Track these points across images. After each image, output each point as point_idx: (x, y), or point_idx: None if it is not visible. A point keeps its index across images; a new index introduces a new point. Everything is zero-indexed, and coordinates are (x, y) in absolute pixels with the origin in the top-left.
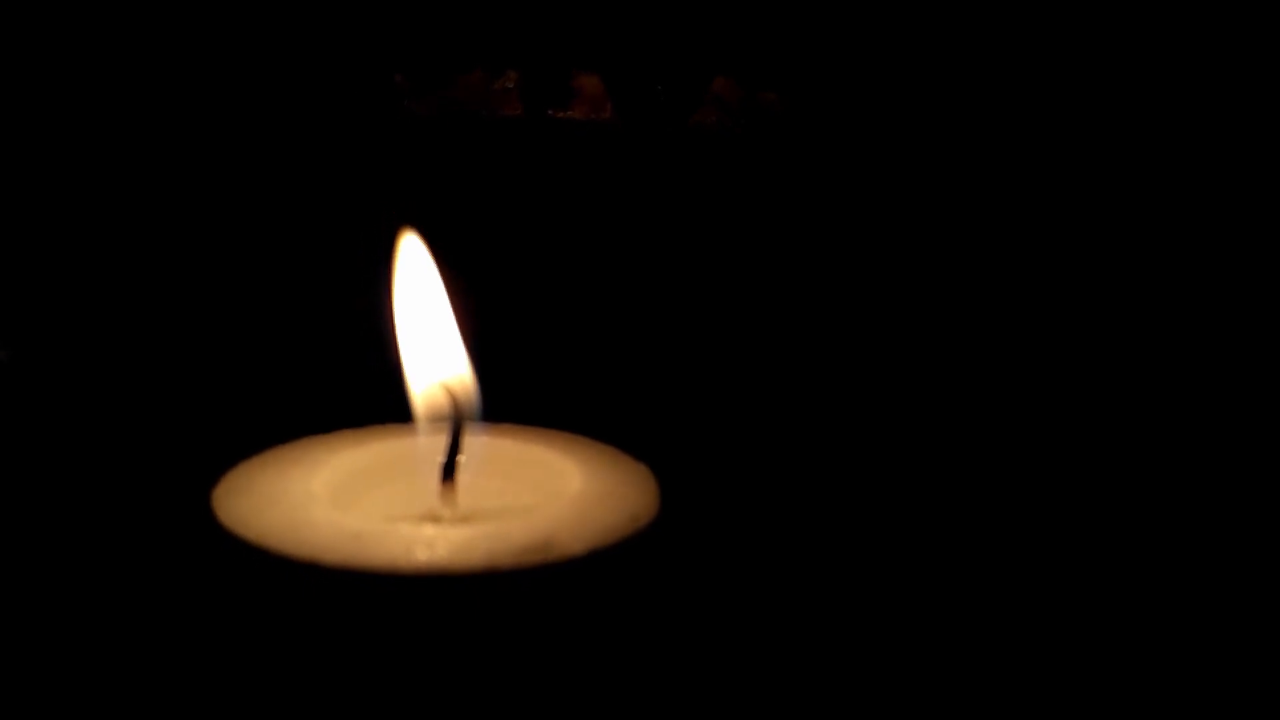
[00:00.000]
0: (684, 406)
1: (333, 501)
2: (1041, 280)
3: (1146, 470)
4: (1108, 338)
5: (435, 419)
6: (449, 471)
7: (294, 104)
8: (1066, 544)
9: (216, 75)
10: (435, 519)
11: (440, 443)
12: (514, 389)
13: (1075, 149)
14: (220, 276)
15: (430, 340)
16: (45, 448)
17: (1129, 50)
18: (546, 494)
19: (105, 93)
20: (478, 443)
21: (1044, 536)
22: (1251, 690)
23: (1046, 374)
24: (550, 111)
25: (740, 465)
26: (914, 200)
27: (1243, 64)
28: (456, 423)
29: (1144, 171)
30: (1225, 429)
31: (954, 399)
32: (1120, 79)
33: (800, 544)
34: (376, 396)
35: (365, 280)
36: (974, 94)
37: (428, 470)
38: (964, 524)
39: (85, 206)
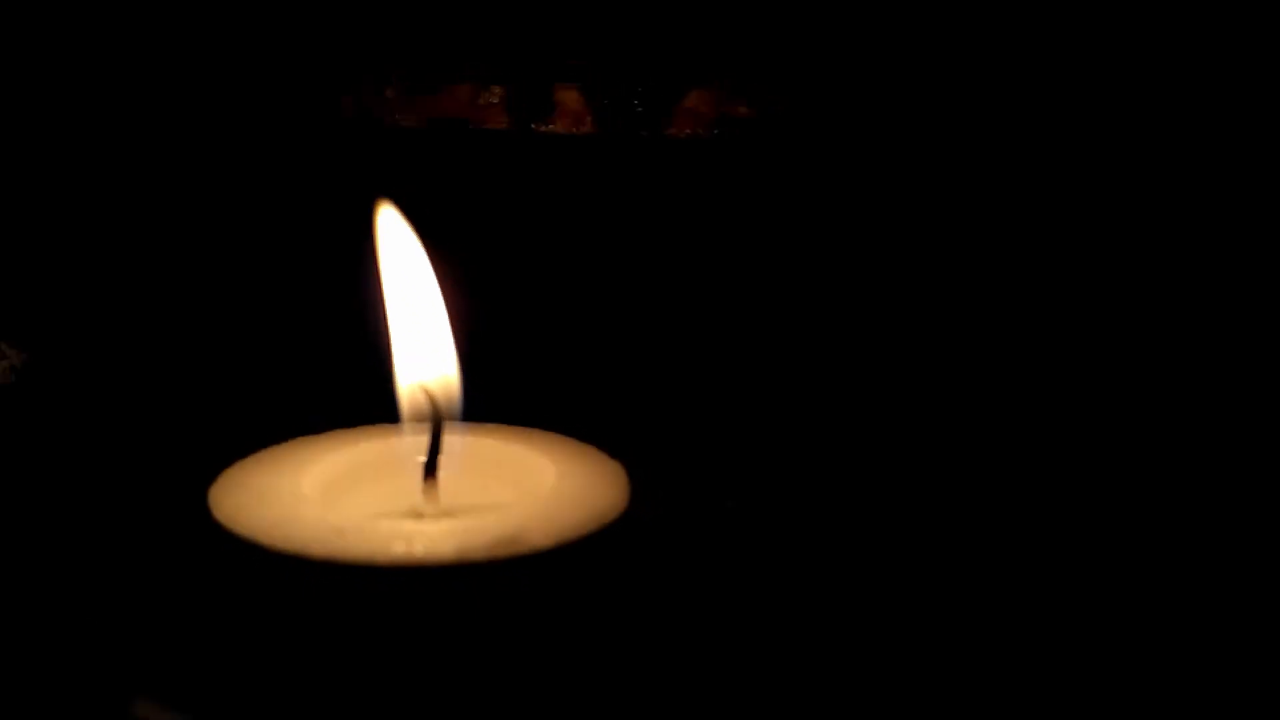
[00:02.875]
0: (661, 405)
1: (322, 499)
2: (1021, 290)
3: (1147, 470)
4: (1108, 338)
5: (418, 419)
6: (430, 469)
7: (288, 115)
8: (1053, 541)
9: (214, 87)
10: (418, 515)
11: (424, 442)
12: (499, 388)
13: (1061, 164)
14: (218, 287)
15: (416, 343)
16: (55, 447)
17: (1109, 51)
18: (523, 490)
19: (107, 103)
20: (459, 441)
21: (1023, 530)
22: (1251, 690)
23: (1020, 374)
24: (533, 125)
25: (713, 464)
26: (886, 206)
27: (1243, 64)
28: (437, 423)
29: (1141, 171)
30: (1225, 429)
31: (926, 398)
32: (1097, 80)
33: (770, 539)
34: (365, 398)
35: (354, 286)
36: (943, 108)
37: (412, 468)
38: (936, 521)
39: (90, 215)
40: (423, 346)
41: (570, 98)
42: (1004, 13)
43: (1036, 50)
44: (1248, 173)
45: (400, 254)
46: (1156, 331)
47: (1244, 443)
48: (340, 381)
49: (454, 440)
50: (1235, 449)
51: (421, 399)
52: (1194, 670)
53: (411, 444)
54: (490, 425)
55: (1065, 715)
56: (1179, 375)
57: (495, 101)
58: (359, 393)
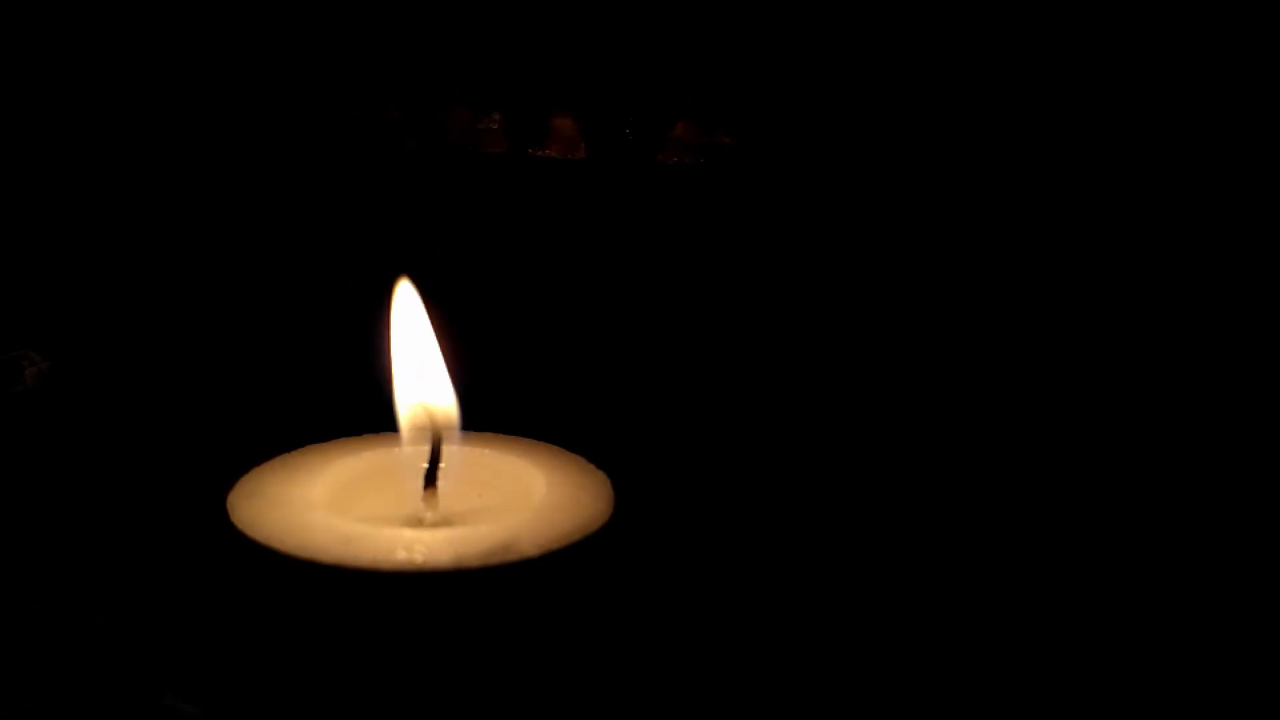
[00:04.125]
0: (647, 417)
1: (331, 505)
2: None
3: (1147, 470)
4: (1105, 339)
5: (419, 435)
6: (430, 479)
7: (302, 139)
8: (1044, 541)
9: (240, 110)
10: (418, 521)
11: (424, 452)
12: (494, 397)
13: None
14: (232, 303)
15: (417, 366)
16: (80, 455)
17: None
18: (514, 499)
19: (136, 124)
20: (457, 453)
21: (1007, 540)
22: (1251, 690)
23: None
24: (530, 150)
25: (692, 477)
26: (858, 227)
27: (1243, 64)
28: (436, 439)
29: (1125, 176)
30: (1225, 429)
31: (904, 412)
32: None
33: (748, 546)
34: (371, 407)
35: (364, 305)
36: (920, 135)
37: (412, 476)
38: (914, 534)
39: (115, 232)
40: (423, 371)
41: (565, 125)
42: (970, 42)
43: (1015, 76)
44: (1248, 173)
45: (408, 318)
46: (1156, 332)
47: (1244, 443)
48: (343, 390)
49: (451, 450)
50: (1235, 449)
51: (423, 418)
52: (1194, 670)
53: (412, 453)
54: (485, 434)
55: (1065, 715)
56: (1179, 375)
57: (494, 127)
58: (361, 400)
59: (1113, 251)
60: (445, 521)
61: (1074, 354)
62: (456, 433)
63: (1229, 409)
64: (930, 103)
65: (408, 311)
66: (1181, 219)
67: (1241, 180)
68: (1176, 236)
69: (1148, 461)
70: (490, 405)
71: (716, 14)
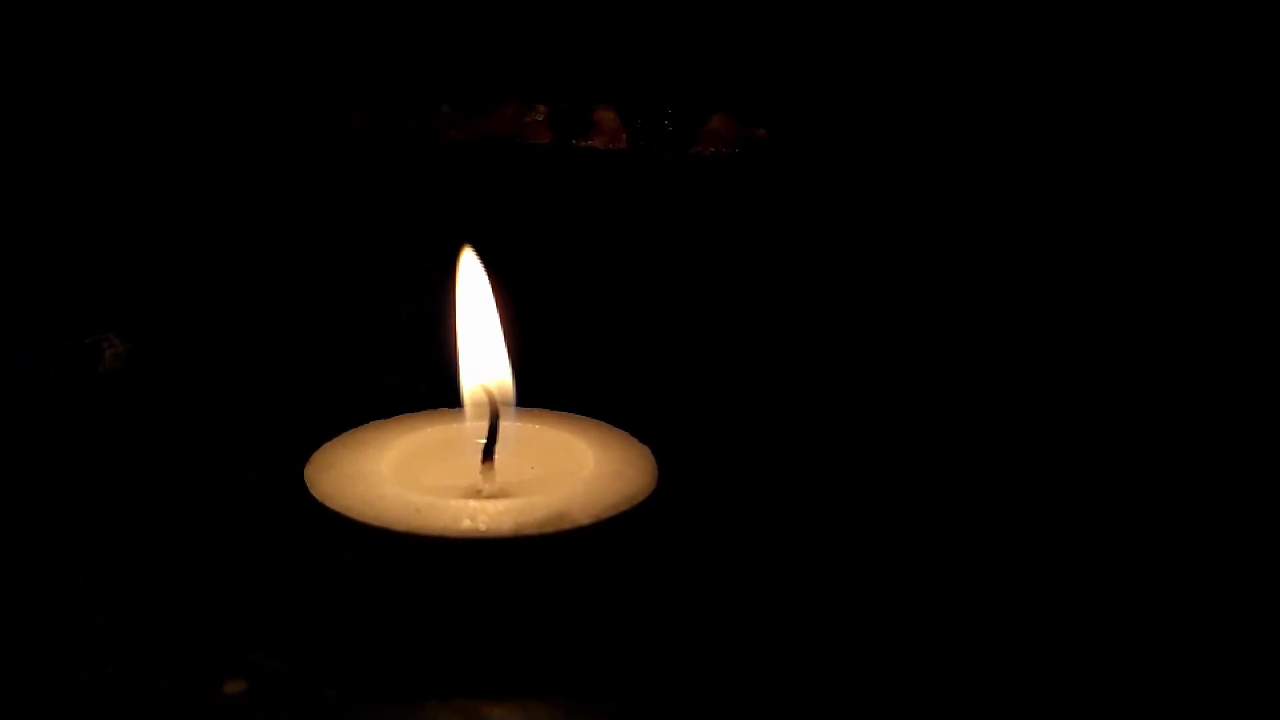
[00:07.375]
0: (686, 394)
1: (397, 477)
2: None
3: (1146, 470)
4: (1107, 340)
5: (479, 413)
6: (488, 454)
7: (358, 132)
8: (1063, 537)
9: (299, 112)
10: (477, 492)
11: (480, 426)
12: (544, 376)
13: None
14: (296, 290)
15: (478, 347)
16: (163, 433)
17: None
18: (564, 471)
19: (212, 127)
20: (510, 427)
21: (1034, 521)
22: (1251, 690)
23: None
24: (574, 141)
25: (729, 451)
26: (886, 216)
27: (1243, 64)
28: (495, 417)
29: (1130, 185)
30: (1225, 429)
31: (929, 390)
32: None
33: (780, 518)
34: (429, 384)
35: (427, 290)
36: (943, 137)
37: (470, 450)
38: (939, 514)
39: (193, 227)
40: (484, 354)
41: (607, 118)
42: (990, 42)
43: (1018, 81)
44: (1248, 173)
45: (473, 288)
46: (1156, 333)
47: (1244, 443)
48: (396, 368)
49: (506, 425)
50: (1235, 449)
51: (482, 397)
52: (1194, 670)
53: (468, 428)
54: (535, 410)
55: (1065, 715)
56: (1179, 375)
57: (540, 119)
58: (413, 378)
59: (1142, 257)
60: (502, 492)
61: (1107, 355)
62: (511, 409)
63: (1229, 409)
64: (963, 100)
65: (473, 286)
66: (1185, 219)
67: (1241, 180)
68: (1183, 238)
69: (1148, 461)
70: (539, 383)
71: (745, 14)
